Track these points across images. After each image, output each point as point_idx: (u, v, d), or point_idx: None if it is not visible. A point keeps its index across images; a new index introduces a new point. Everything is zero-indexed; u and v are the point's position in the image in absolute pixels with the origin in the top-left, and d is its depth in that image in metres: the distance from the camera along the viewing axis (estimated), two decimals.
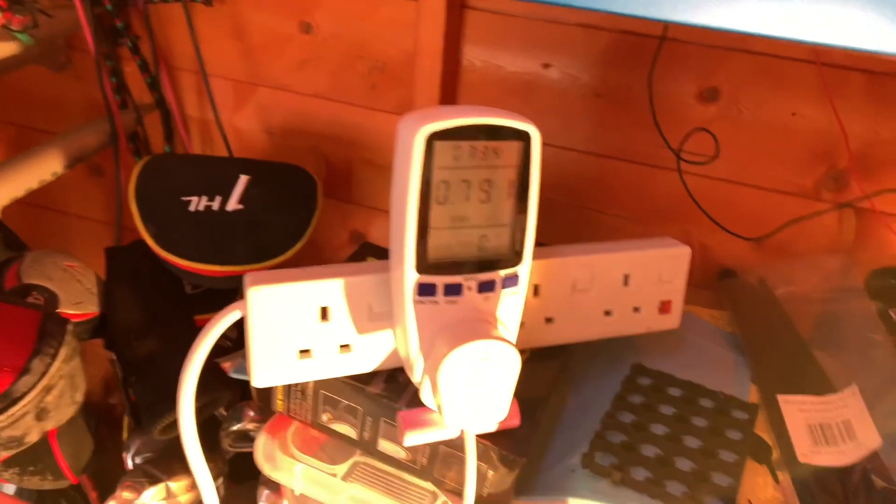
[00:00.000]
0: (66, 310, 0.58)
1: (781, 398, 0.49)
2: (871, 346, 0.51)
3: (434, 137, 0.33)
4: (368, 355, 0.41)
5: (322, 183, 0.65)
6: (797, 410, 0.47)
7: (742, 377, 0.53)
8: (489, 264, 0.37)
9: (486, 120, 0.34)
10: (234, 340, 0.57)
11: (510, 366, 0.36)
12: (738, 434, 0.45)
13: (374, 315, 0.41)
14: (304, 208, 0.61)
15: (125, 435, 0.64)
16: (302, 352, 0.40)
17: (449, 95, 0.68)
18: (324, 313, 0.40)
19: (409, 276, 0.36)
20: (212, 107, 0.73)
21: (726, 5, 0.33)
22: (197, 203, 0.57)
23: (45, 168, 0.62)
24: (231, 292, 0.60)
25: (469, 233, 0.36)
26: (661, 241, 0.49)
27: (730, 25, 0.33)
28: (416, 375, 0.38)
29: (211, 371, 0.56)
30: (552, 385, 0.46)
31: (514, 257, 0.37)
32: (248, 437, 0.54)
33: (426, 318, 0.37)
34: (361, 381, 0.43)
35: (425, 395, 0.38)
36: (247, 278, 0.39)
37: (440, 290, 0.36)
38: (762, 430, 0.48)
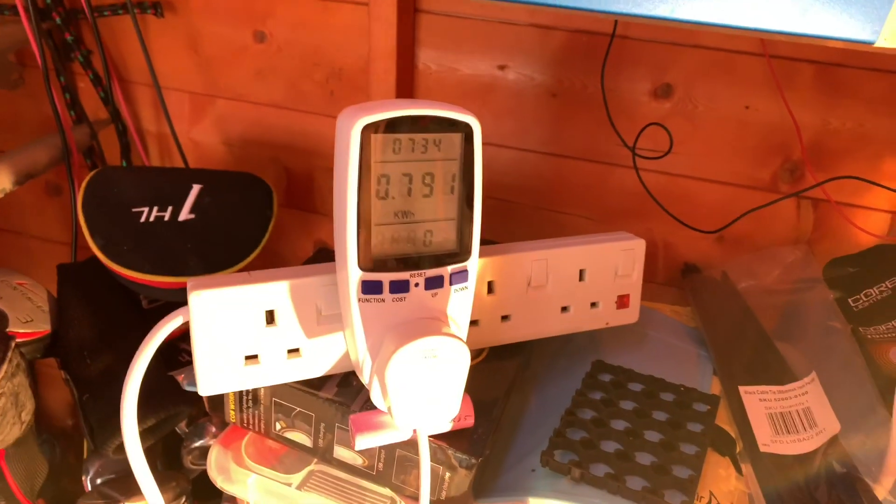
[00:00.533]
0: (15, 328, 0.56)
1: (742, 389, 0.49)
2: (829, 333, 0.51)
3: (371, 130, 0.33)
4: (319, 360, 0.40)
5: (280, 192, 0.64)
6: (758, 400, 0.47)
7: (704, 370, 0.52)
8: (436, 260, 0.36)
9: (423, 111, 0.33)
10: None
11: (459, 363, 0.35)
12: (699, 426, 0.44)
13: (322, 318, 0.40)
14: (259, 216, 0.60)
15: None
16: (248, 358, 0.39)
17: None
18: (270, 317, 0.39)
19: (353, 273, 0.35)
20: (167, 120, 0.72)
21: None
22: (147, 214, 0.56)
23: None
24: None
25: (413, 228, 0.35)
26: (617, 234, 0.49)
27: (672, 15, 0.33)
28: (366, 377, 0.37)
29: (169, 385, 0.55)
30: (511, 384, 0.45)
31: (462, 252, 0.37)
32: None
33: (373, 316, 0.36)
34: (313, 386, 0.42)
35: (375, 397, 0.37)
36: (190, 283, 0.38)
37: (386, 287, 0.35)
38: (725, 422, 0.48)
